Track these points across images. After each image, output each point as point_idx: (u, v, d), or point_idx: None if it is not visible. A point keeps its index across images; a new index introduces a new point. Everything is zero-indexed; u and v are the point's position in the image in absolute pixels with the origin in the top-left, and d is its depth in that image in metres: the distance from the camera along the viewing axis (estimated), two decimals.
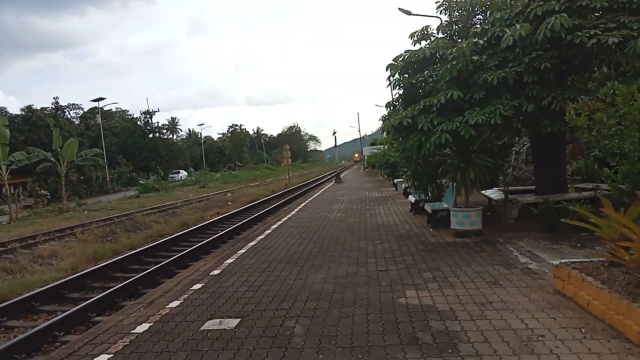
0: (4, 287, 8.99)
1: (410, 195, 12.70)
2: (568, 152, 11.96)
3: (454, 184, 8.42)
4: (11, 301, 7.49)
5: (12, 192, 23.78)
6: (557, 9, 6.93)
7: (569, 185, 10.08)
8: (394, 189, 20.66)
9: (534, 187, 10.36)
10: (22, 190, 38.07)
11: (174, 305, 5.34)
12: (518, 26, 7.12)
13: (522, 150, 15.30)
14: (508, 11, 8.19)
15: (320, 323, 4.40)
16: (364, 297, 5.15)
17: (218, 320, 4.70)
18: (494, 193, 10.53)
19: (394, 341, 3.87)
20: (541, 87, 7.43)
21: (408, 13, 18.36)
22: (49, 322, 6.28)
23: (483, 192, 10.68)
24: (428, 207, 9.84)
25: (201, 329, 4.49)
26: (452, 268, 6.13)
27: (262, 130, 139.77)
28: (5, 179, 23.67)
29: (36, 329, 6.02)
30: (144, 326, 4.69)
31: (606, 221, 4.32)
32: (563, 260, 4.80)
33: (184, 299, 5.57)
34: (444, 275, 5.80)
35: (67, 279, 8.93)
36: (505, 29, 7.58)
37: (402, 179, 17.76)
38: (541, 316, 4.15)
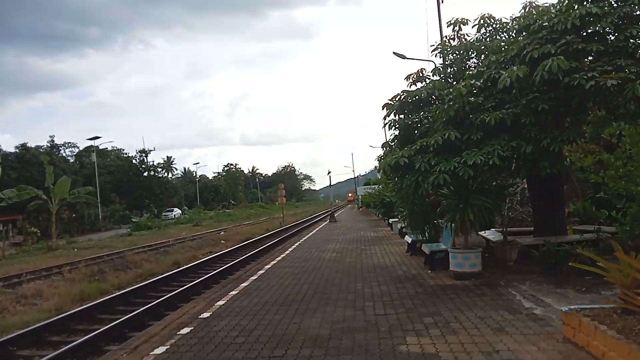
0: None
1: (406, 236, 12.49)
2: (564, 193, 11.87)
3: (452, 225, 8.25)
4: None
5: (0, 229, 23.32)
6: (553, 51, 6.98)
7: (567, 227, 9.94)
8: (389, 228, 20.43)
9: (532, 228, 10.20)
10: (12, 228, 37.57)
11: (159, 352, 5.01)
12: (515, 68, 7.13)
13: (517, 191, 15.22)
14: (503, 54, 8.26)
15: None
16: (362, 343, 4.86)
17: None
18: (492, 234, 10.35)
19: None
20: (539, 128, 7.38)
21: (402, 57, 18.69)
22: None
23: (481, 233, 10.50)
24: (426, 248, 9.62)
25: None
26: (454, 312, 5.86)
27: (257, 169, 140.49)
28: None
29: None
30: None
31: (616, 265, 4.14)
32: (572, 307, 4.57)
33: (170, 345, 5.25)
34: (446, 321, 5.53)
35: (49, 320, 8.53)
36: (501, 71, 7.61)
37: (397, 219, 17.57)
38: None
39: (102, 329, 7.63)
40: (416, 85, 10.06)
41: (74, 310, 9.36)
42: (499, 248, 9.35)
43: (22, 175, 39.90)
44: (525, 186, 12.21)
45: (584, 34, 7.41)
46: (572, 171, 13.27)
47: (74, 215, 42.29)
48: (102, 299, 10.46)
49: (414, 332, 5.15)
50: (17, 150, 45.49)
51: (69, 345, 6.80)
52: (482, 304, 6.21)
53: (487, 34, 9.97)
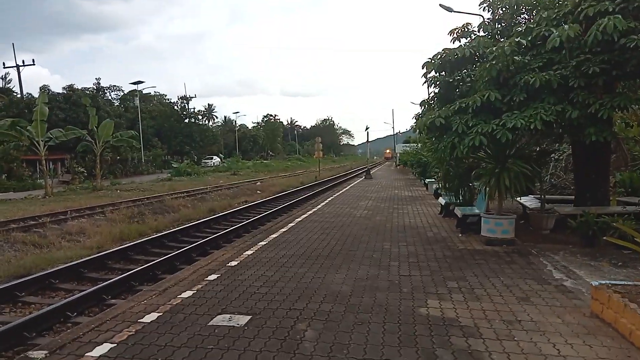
0: (29, 261, 9.14)
1: (440, 197, 12.29)
2: (611, 163, 11.29)
3: (487, 189, 8.02)
4: (32, 277, 7.57)
5: (49, 167, 24.44)
6: (610, 9, 6.43)
7: (610, 198, 9.50)
8: (425, 189, 20.17)
9: (573, 197, 9.81)
10: (61, 167, 39.42)
11: (186, 296, 5.20)
12: (566, 26, 6.63)
13: (561, 157, 14.59)
14: (556, 10, 7.69)
15: (333, 328, 4.17)
16: (382, 303, 4.88)
17: (228, 315, 4.53)
18: (529, 201, 10.03)
19: (410, 357, 3.60)
20: (588, 92, 6.93)
21: (449, 10, 17.79)
22: (63, 301, 6.28)
23: (518, 199, 10.19)
24: (458, 211, 9.45)
25: (209, 323, 4.32)
26: (480, 278, 5.78)
27: (296, 121, 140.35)
28: (43, 154, 24.33)
29: (50, 307, 6.02)
30: (153, 315, 4.56)
31: None
32: (603, 281, 4.41)
33: (197, 290, 5.44)
34: (470, 286, 5.46)
35: (90, 257, 9.00)
36: (552, 29, 7.10)
37: (433, 180, 17.30)
38: (576, 342, 3.79)
39: (136, 269, 7.99)
40: (460, 41, 9.57)
41: (113, 249, 9.83)
42: (535, 216, 9.07)
43: (69, 116, 41.34)
44: (571, 152, 11.66)
45: None
46: (623, 139, 12.56)
47: (118, 157, 43.75)
48: (139, 240, 10.91)
49: (436, 296, 5.12)
50: (64, 91, 46.95)
51: (105, 282, 7.18)
52: (510, 271, 6.09)
53: None
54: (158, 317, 4.54)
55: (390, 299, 5.01)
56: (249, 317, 4.48)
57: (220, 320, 4.42)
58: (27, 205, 18.50)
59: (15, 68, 44.91)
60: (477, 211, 9.01)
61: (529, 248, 7.47)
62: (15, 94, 50.03)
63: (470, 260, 6.77)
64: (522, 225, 9.31)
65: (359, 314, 4.54)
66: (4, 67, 46.23)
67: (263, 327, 4.22)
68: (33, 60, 68.07)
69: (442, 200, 11.72)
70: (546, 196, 9.70)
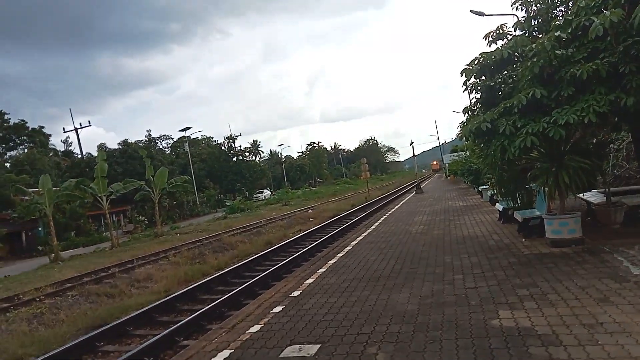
0: (104, 311, 9.60)
1: (497, 203, 11.92)
2: None
3: (546, 189, 7.72)
4: (108, 326, 7.95)
5: (113, 220, 25.75)
6: None
7: None
8: (479, 196, 19.64)
9: None
10: (123, 218, 41.40)
11: (255, 330, 5.29)
12: (607, 13, 6.39)
13: (622, 146, 13.86)
14: None
15: (404, 349, 4.11)
16: (452, 319, 4.76)
17: (298, 346, 4.56)
18: (593, 196, 9.55)
19: None
20: None
21: (481, 14, 17.55)
22: (138, 347, 6.52)
23: (580, 195, 9.72)
24: (518, 216, 9.12)
25: (280, 356, 4.37)
26: (551, 283, 5.53)
27: (340, 145, 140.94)
28: (106, 208, 25.70)
29: (126, 355, 6.28)
30: (225, 353, 4.66)
31: None
32: None
33: (264, 323, 5.51)
34: (542, 292, 5.23)
35: (159, 302, 9.33)
36: (592, 17, 6.86)
37: (487, 186, 16.83)
38: None
39: (204, 309, 8.20)
40: (496, 44, 9.38)
41: (180, 292, 10.15)
42: (601, 211, 8.63)
43: (126, 169, 43.59)
44: (631, 140, 11.06)
45: None
46: None
47: (174, 202, 45.49)
48: (203, 280, 11.23)
49: (507, 306, 4.94)
50: (119, 146, 49.74)
51: (176, 325, 7.41)
52: (584, 272, 5.79)
53: None
54: (230, 354, 4.64)
55: (459, 314, 4.88)
56: (319, 345, 4.49)
57: (291, 351, 4.45)
58: (96, 258, 19.51)
59: (74, 131, 48.09)
60: (538, 213, 8.66)
61: (600, 245, 7.08)
62: (76, 155, 53.53)
63: (539, 265, 6.49)
64: (588, 222, 8.86)
65: (429, 332, 4.45)
66: (64, 132, 49.63)
67: (334, 354, 4.22)
68: (89, 121, 73.01)
69: (499, 206, 11.37)
70: (611, 189, 9.20)
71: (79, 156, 50.22)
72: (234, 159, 70.10)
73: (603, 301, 4.64)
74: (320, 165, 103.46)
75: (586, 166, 7.26)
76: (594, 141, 9.77)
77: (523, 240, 8.57)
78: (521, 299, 5.09)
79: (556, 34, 7.10)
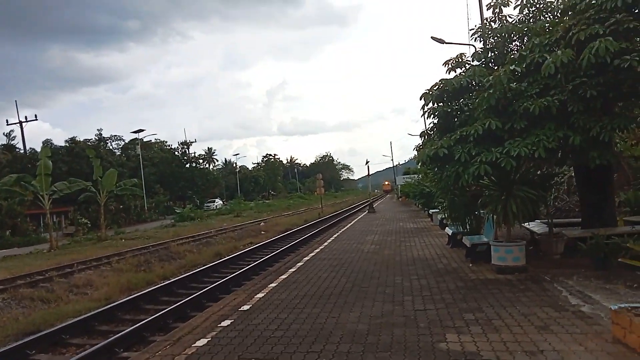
0: (38, 317, 9.07)
1: (447, 227, 12.25)
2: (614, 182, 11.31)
3: (494, 216, 8.02)
4: (41, 333, 7.49)
5: (54, 221, 24.49)
6: (601, 32, 6.59)
7: (617, 218, 9.47)
8: (430, 219, 20.13)
9: (580, 219, 9.78)
10: (65, 219, 39.45)
11: (201, 344, 5.13)
12: (559, 52, 6.78)
13: (563, 180, 14.64)
14: (547, 36, 7.88)
15: None
16: (401, 340, 4.80)
17: None
18: (536, 226, 9.99)
19: None
20: (587, 116, 7.02)
21: (441, 42, 18.25)
22: (74, 357, 6.18)
23: (525, 224, 10.15)
24: (467, 241, 9.40)
25: None
26: (496, 309, 5.70)
27: (296, 159, 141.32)
28: (47, 208, 24.42)
29: None
30: None
31: None
32: (622, 305, 4.35)
33: (211, 337, 5.36)
34: (487, 317, 5.39)
35: (99, 310, 8.91)
36: (545, 54, 7.26)
37: (437, 210, 17.28)
38: None
39: (147, 319, 7.89)
40: (455, 71, 9.76)
41: (122, 300, 9.75)
42: (544, 241, 9.04)
43: (72, 168, 41.75)
44: (573, 174, 11.71)
45: (637, 11, 6.94)
46: (623, 158, 12.62)
47: (121, 206, 43.83)
48: (147, 289, 10.84)
49: (454, 329, 5.04)
50: (67, 144, 47.59)
51: (117, 335, 7.07)
52: (526, 299, 6.01)
53: (531, 15, 9.56)
54: None
55: (408, 335, 4.93)
56: None
57: None
58: (32, 260, 18.42)
59: (19, 124, 45.65)
60: (485, 239, 8.96)
61: (542, 274, 7.40)
62: (18, 150, 50.71)
63: (484, 290, 6.69)
64: (531, 251, 9.25)
65: (378, 353, 4.46)
66: (7, 124, 47.13)
67: None
68: (35, 115, 69.54)
69: (448, 231, 11.69)
70: (554, 220, 9.67)
71: (22, 151, 47.64)
72: (187, 165, 68.63)
73: (544, 329, 4.82)
74: (275, 178, 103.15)
75: (532, 196, 7.60)
76: (539, 173, 10.27)
77: (470, 265, 8.82)
78: (467, 323, 5.21)
79: (512, 67, 7.46)
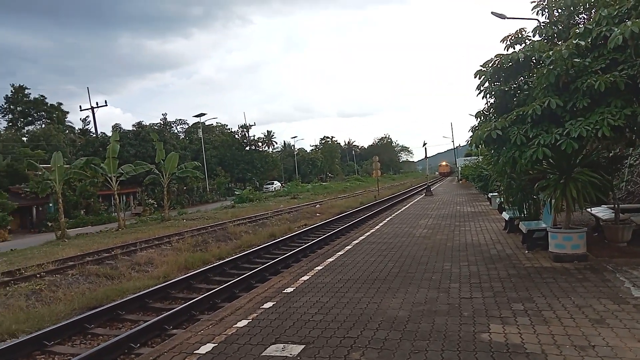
0: (101, 292, 9.63)
1: (504, 212, 11.71)
2: None
3: (553, 201, 7.52)
4: (101, 308, 7.94)
5: (122, 201, 25.92)
6: None
7: None
8: (488, 203, 19.38)
9: None
10: (133, 199, 41.75)
11: (242, 325, 5.22)
12: (629, 22, 6.16)
13: (637, 162, 13.52)
14: (617, 7, 7.18)
15: (388, 357, 4.00)
16: (441, 329, 4.64)
17: (282, 345, 4.48)
18: (602, 211, 9.32)
19: None
20: None
21: (502, 17, 17.24)
22: (126, 333, 6.50)
23: (590, 210, 9.49)
24: (523, 226, 8.93)
25: (262, 354, 4.29)
26: (548, 299, 5.37)
27: (354, 141, 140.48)
28: (115, 189, 25.88)
29: (114, 339, 6.25)
30: (208, 347, 4.60)
31: None
32: None
33: (252, 318, 5.44)
34: (538, 308, 5.08)
35: (155, 287, 9.33)
36: (613, 27, 6.63)
37: (496, 194, 16.58)
38: None
39: (196, 298, 8.17)
40: (514, 48, 9.16)
41: (177, 279, 10.14)
42: (609, 227, 8.41)
43: (139, 152, 43.85)
44: None
45: None
46: None
47: (184, 188, 45.76)
48: (202, 269, 11.21)
49: (499, 319, 4.80)
50: (134, 128, 50.02)
51: (167, 313, 7.37)
52: (583, 290, 5.62)
53: None
54: (213, 347, 4.57)
55: (449, 324, 4.75)
56: (302, 346, 4.40)
57: (274, 350, 4.37)
58: (101, 238, 19.66)
59: (90, 110, 48.47)
60: (543, 225, 8.47)
61: (604, 263, 6.89)
62: (91, 134, 53.99)
63: (538, 279, 6.33)
64: (595, 238, 8.65)
65: (416, 342, 4.33)
66: (81, 110, 50.00)
67: (316, 357, 4.13)
68: (105, 101, 73.46)
69: (505, 215, 11.17)
70: (622, 205, 8.97)
71: (94, 135, 50.65)
72: (247, 148, 70.19)
73: (599, 322, 4.48)
74: (332, 160, 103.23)
75: (596, 180, 7.05)
76: (608, 155, 9.52)
77: (526, 252, 8.39)
78: (515, 314, 4.95)
79: (575, 41, 6.88)
